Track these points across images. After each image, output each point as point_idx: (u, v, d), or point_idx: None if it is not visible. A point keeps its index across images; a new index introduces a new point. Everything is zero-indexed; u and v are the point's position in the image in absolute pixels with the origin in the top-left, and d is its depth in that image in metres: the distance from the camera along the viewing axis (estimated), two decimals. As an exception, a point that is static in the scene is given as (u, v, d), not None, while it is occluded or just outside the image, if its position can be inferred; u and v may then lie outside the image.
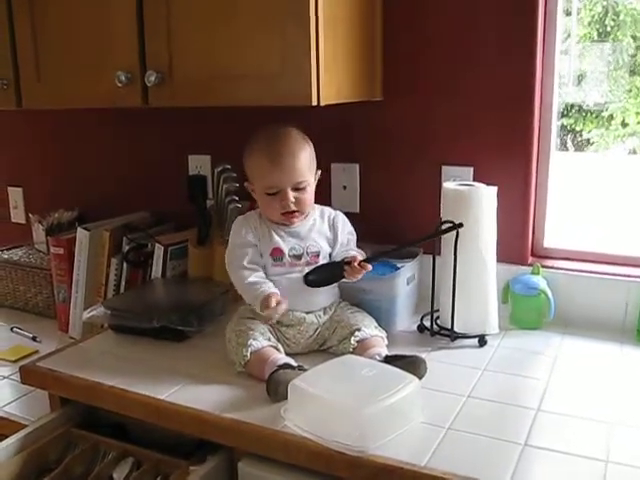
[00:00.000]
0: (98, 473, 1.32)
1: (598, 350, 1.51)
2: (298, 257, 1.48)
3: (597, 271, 1.66)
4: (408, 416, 1.18)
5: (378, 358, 1.35)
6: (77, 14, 1.65)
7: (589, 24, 1.80)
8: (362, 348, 1.40)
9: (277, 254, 1.47)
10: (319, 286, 1.47)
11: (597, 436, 1.15)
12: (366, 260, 1.46)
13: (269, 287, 1.42)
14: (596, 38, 1.81)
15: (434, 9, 1.67)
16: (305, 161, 1.46)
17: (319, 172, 1.53)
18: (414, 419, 1.18)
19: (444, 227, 1.49)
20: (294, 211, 1.47)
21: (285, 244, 1.48)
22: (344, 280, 1.47)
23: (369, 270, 1.45)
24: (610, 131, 1.95)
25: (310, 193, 1.49)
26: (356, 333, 1.43)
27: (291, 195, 1.45)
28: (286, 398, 1.22)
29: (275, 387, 1.26)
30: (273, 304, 1.36)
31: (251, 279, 1.44)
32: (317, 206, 1.55)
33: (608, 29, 1.79)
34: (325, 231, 1.53)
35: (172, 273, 1.90)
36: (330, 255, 1.53)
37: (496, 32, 1.62)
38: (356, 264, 1.44)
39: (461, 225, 1.47)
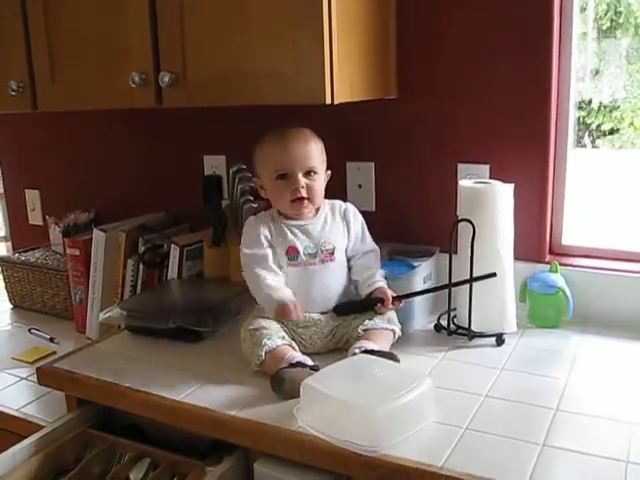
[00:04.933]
0: (115, 474, 1.32)
1: (618, 348, 1.49)
2: (313, 255, 1.48)
3: (616, 268, 1.63)
4: (421, 415, 1.17)
5: (357, 351, 1.34)
6: (91, 16, 1.65)
7: (594, 21, 1.78)
8: (364, 337, 1.40)
9: (292, 253, 1.47)
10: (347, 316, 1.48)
11: (617, 436, 1.13)
12: (398, 297, 1.47)
13: (289, 293, 1.42)
14: (595, 36, 1.79)
15: (448, 6, 1.66)
16: (316, 150, 1.48)
17: (329, 172, 1.53)
18: (427, 418, 1.17)
19: (480, 275, 1.48)
20: (304, 198, 1.46)
21: (300, 242, 1.47)
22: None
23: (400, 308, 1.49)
24: (621, 134, 1.92)
25: (321, 184, 1.49)
26: (365, 322, 1.43)
27: (302, 180, 1.45)
28: (291, 395, 1.23)
29: (279, 384, 1.26)
30: (294, 314, 1.38)
31: (269, 282, 1.43)
32: (327, 201, 1.54)
33: (611, 26, 1.77)
34: (338, 225, 1.52)
35: (188, 274, 1.90)
36: (346, 250, 1.52)
37: (513, 29, 1.60)
38: (390, 305, 1.45)
39: (494, 274, 1.46)
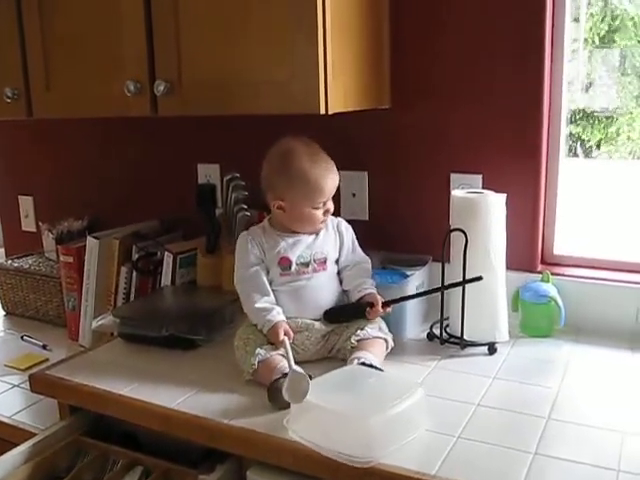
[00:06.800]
0: (107, 482, 1.32)
1: (609, 357, 1.50)
2: (306, 264, 1.49)
3: (607, 278, 1.65)
4: (414, 425, 1.17)
5: (356, 362, 1.34)
6: (86, 23, 1.66)
7: (590, 29, 1.80)
8: (359, 348, 1.40)
9: (285, 263, 1.48)
10: (338, 322, 1.49)
11: (609, 445, 1.14)
12: (388, 302, 1.49)
13: (276, 314, 1.43)
14: (597, 43, 1.80)
15: (442, 15, 1.67)
16: None
17: None
18: (420, 427, 1.18)
19: (468, 278, 1.49)
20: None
21: (292, 253, 1.48)
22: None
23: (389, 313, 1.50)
24: (617, 146, 1.94)
25: None
26: (357, 332, 1.43)
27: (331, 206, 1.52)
28: (287, 406, 1.22)
29: (276, 395, 1.26)
30: (281, 337, 1.37)
31: (259, 305, 1.44)
32: None
33: (605, 33, 1.79)
34: (330, 236, 1.54)
35: (181, 281, 1.90)
36: (338, 262, 1.53)
37: (505, 41, 1.61)
38: (380, 309, 1.47)
39: (481, 278, 1.47)
